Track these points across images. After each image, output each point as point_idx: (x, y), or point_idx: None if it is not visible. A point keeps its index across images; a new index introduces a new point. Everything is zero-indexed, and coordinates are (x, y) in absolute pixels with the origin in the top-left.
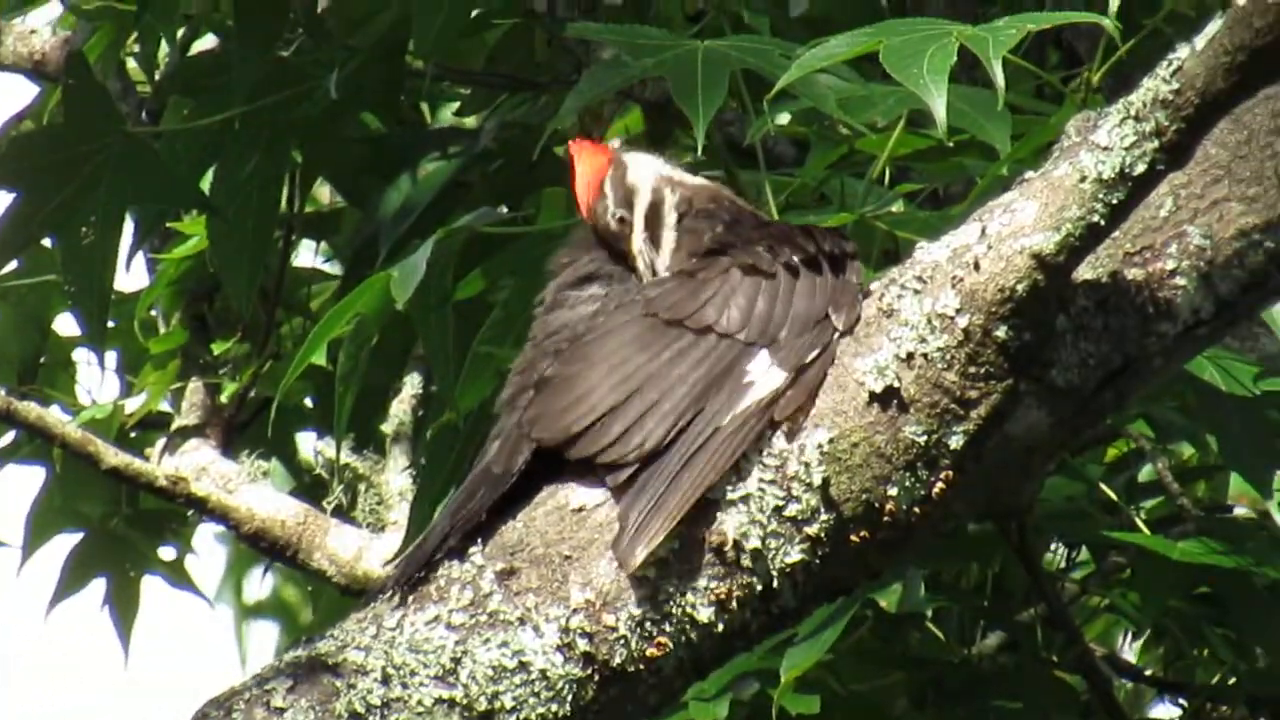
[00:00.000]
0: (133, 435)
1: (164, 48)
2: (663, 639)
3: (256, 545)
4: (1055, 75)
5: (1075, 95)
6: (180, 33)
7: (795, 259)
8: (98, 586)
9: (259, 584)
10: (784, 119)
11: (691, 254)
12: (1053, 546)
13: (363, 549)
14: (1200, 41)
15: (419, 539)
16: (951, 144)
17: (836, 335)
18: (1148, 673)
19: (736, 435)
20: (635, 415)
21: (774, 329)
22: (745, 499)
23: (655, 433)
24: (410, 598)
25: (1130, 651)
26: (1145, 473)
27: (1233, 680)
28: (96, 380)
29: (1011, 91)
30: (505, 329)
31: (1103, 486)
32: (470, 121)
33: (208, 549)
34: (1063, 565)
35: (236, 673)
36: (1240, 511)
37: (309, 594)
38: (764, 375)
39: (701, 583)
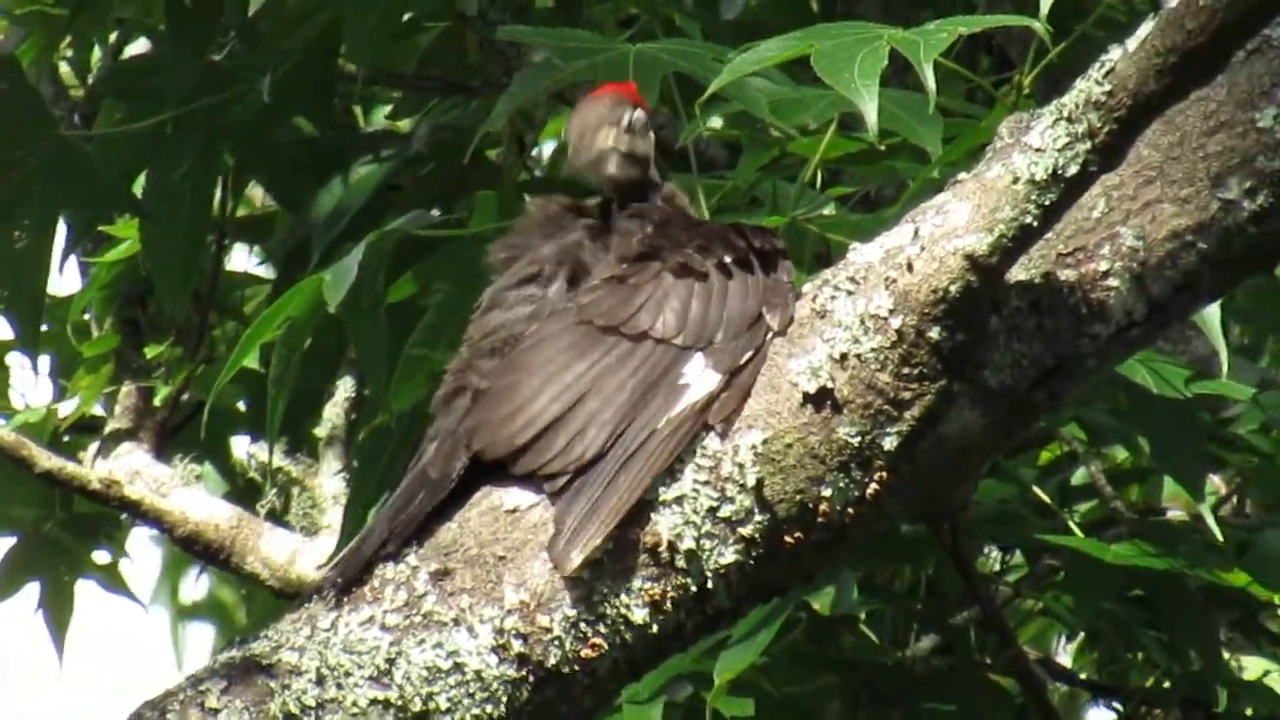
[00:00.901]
0: (66, 439)
1: (97, 52)
2: (597, 640)
3: (190, 549)
4: (987, 79)
5: (1006, 99)
6: (113, 37)
7: (727, 259)
8: (31, 590)
9: (194, 585)
10: (716, 122)
11: (622, 258)
12: (987, 549)
13: (296, 552)
14: (1132, 43)
15: (354, 541)
16: (883, 147)
17: (770, 335)
18: (1082, 676)
19: (672, 438)
20: (578, 427)
21: (709, 332)
22: (679, 500)
23: (596, 441)
24: (345, 599)
25: (1065, 654)
26: (1079, 476)
27: (1167, 683)
28: (30, 384)
29: (943, 95)
30: (437, 332)
31: (1036, 489)
32: (403, 125)
33: (143, 550)
34: (997, 568)
35: (172, 674)
36: (1173, 514)
37: (244, 596)
38: (699, 378)
39: (636, 584)
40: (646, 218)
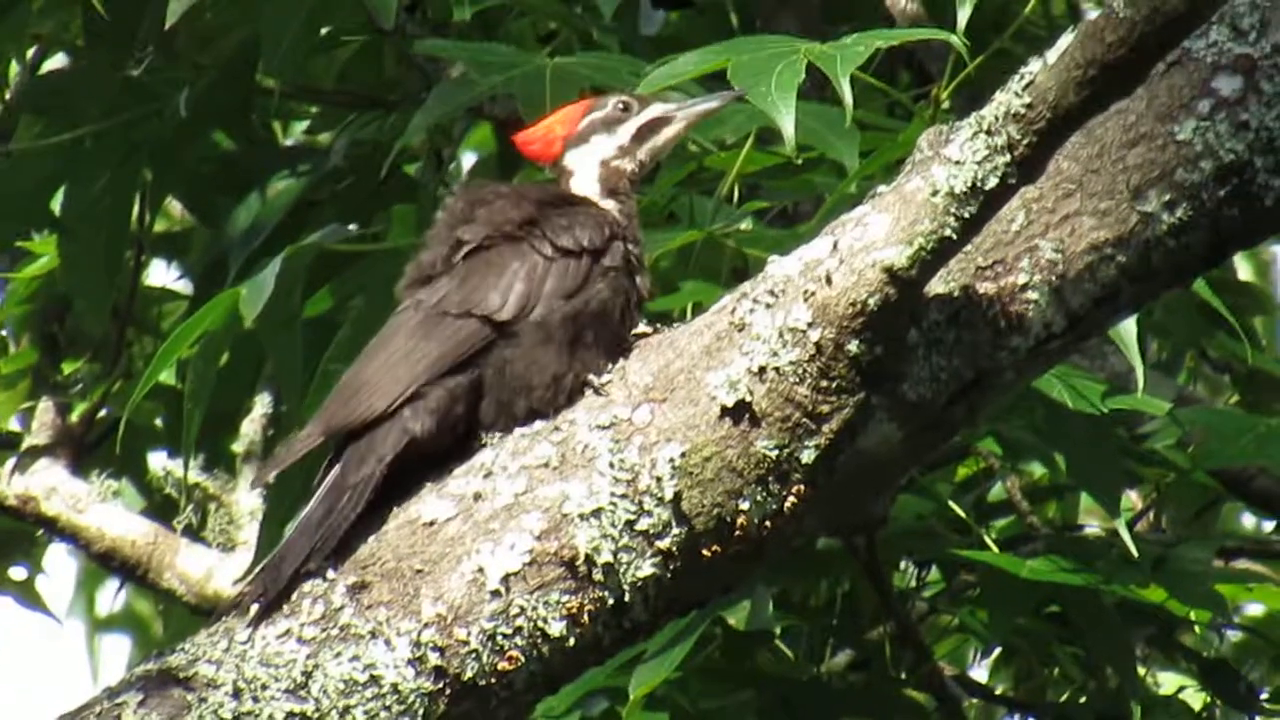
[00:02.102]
0: None
1: (14, 67)
2: (514, 653)
3: (107, 565)
4: (905, 94)
5: (925, 113)
6: (30, 52)
7: (555, 246)
8: None
9: (111, 598)
10: None
11: (453, 248)
12: (903, 565)
13: (213, 568)
14: (1052, 55)
15: (271, 555)
16: (800, 161)
17: (605, 271)
18: (998, 691)
19: None
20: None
21: (530, 306)
22: (597, 513)
23: (390, 394)
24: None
25: (981, 669)
26: (995, 492)
27: (1083, 699)
28: None
29: (862, 109)
30: (354, 346)
31: (952, 505)
32: (321, 139)
33: (60, 563)
34: (913, 584)
35: (88, 687)
36: (1090, 530)
37: (160, 611)
38: None
39: (553, 597)
40: (488, 203)
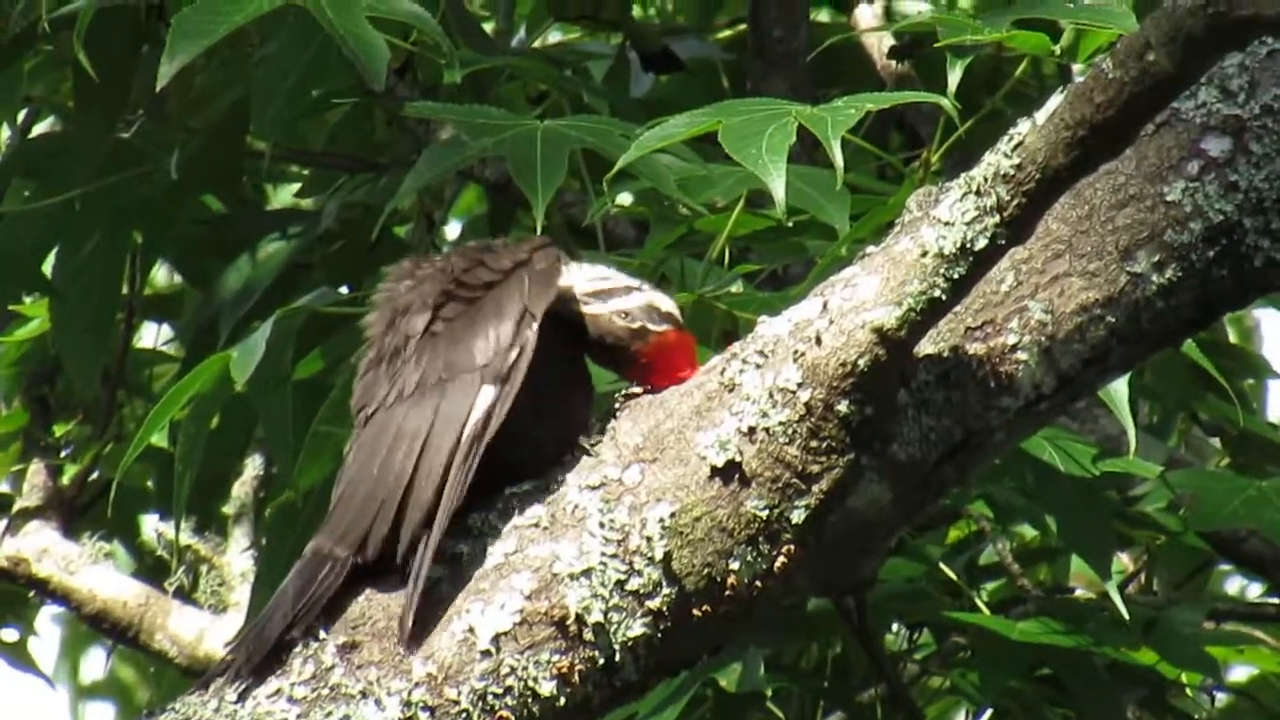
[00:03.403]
0: None
1: (5, 130)
2: (504, 713)
3: (98, 626)
4: (896, 156)
5: (915, 175)
6: (21, 115)
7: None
8: None
9: (96, 664)
10: (625, 199)
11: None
12: (894, 627)
13: (204, 630)
14: (1041, 116)
15: (256, 622)
16: (791, 224)
17: (535, 322)
18: None
19: (463, 468)
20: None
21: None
22: (587, 572)
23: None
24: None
25: None
26: (986, 554)
27: None
28: None
29: (853, 172)
30: (344, 409)
31: (943, 567)
32: (306, 203)
33: (45, 629)
34: (904, 646)
35: None
36: (1081, 593)
37: (151, 676)
38: (480, 399)
39: (544, 656)
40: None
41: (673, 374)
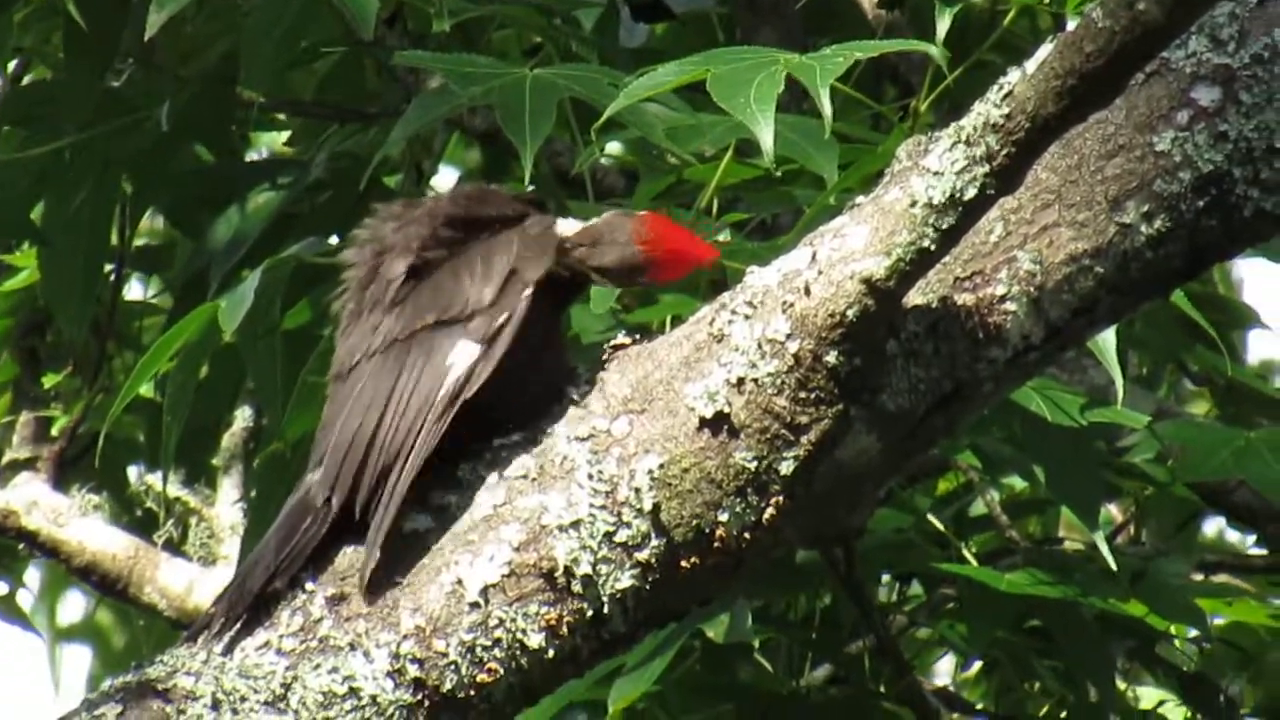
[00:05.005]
0: None
1: None
2: (493, 665)
3: (87, 579)
4: (888, 106)
5: (904, 125)
6: (12, 64)
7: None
8: None
9: (74, 607)
10: (614, 148)
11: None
12: (883, 578)
13: (194, 583)
14: (1031, 65)
15: (238, 575)
16: (780, 173)
17: (528, 292)
18: (979, 706)
19: (440, 422)
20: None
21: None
22: (576, 524)
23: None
24: (239, 623)
25: (944, 675)
26: (976, 507)
27: (1062, 713)
28: None
29: (845, 122)
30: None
31: (931, 518)
32: (287, 151)
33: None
34: (893, 598)
35: (49, 697)
36: (1070, 544)
37: (130, 620)
38: (461, 355)
39: (532, 608)
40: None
41: (682, 254)
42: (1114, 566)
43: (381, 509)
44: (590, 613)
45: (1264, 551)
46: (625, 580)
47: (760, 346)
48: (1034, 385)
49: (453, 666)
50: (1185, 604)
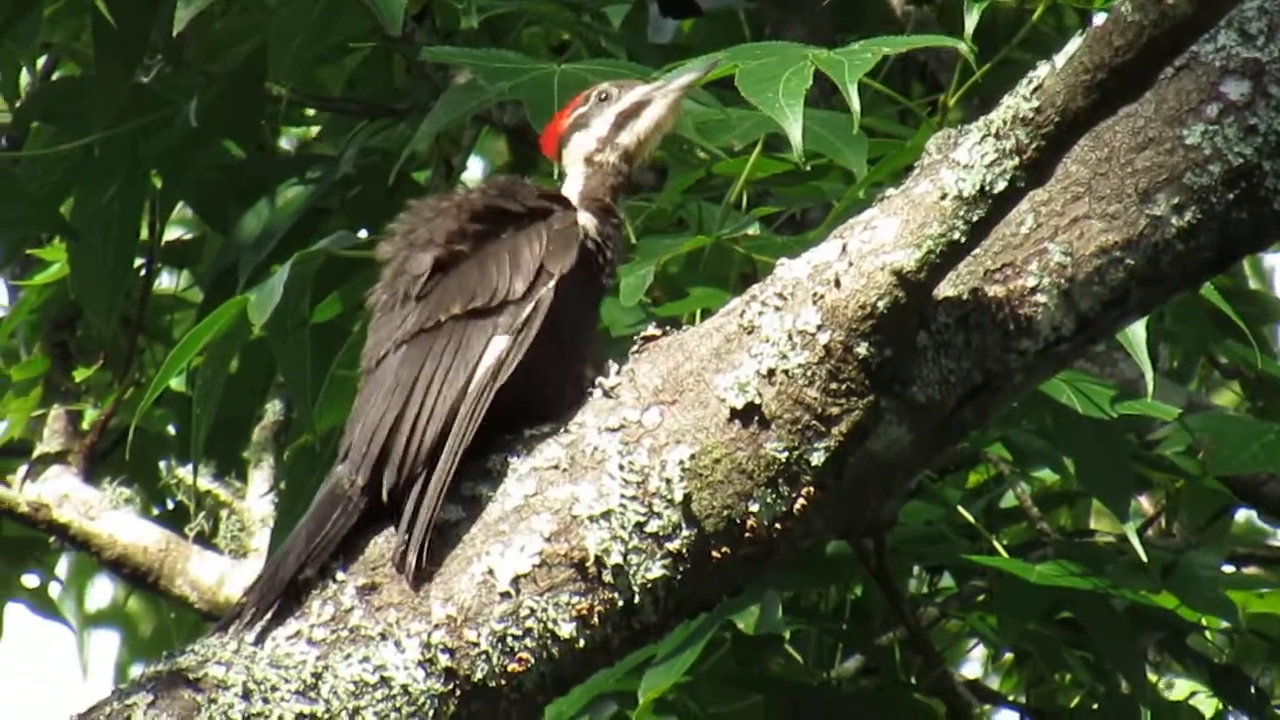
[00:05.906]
0: None
1: (25, 75)
2: (524, 654)
3: (118, 571)
4: (917, 102)
5: (933, 120)
6: (41, 60)
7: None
8: None
9: (101, 592)
10: None
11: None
12: (915, 571)
13: (225, 575)
14: (1060, 60)
15: (269, 565)
16: (809, 168)
17: (553, 283)
18: (1009, 697)
19: (476, 408)
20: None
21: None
22: (607, 515)
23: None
24: (270, 613)
25: (975, 667)
26: (1007, 499)
27: (1093, 705)
28: None
29: (872, 117)
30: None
31: (962, 510)
32: (320, 146)
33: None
34: (925, 590)
35: (78, 683)
36: (1100, 536)
37: (158, 606)
38: (491, 346)
39: (563, 598)
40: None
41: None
42: (1145, 558)
43: (426, 506)
44: (621, 602)
45: None
46: (656, 570)
47: (791, 338)
48: (1065, 378)
49: (484, 656)
50: (1216, 596)
